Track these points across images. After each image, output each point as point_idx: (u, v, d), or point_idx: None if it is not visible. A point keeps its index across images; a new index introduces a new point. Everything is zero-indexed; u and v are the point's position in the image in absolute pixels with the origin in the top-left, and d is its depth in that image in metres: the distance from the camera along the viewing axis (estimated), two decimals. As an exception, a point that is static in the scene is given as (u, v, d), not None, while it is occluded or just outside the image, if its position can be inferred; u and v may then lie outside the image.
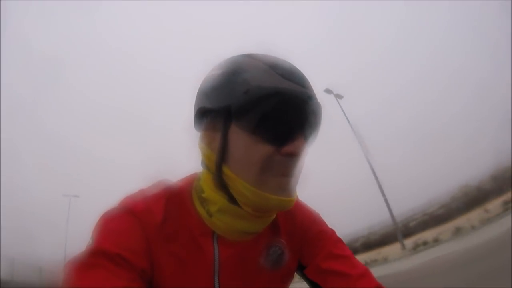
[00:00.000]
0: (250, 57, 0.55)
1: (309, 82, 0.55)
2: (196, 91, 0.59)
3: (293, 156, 0.52)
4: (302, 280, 0.67)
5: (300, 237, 0.65)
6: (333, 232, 0.68)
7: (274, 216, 0.61)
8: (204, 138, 0.57)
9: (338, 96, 16.42)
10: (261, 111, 0.49)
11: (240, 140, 0.51)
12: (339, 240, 0.67)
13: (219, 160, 0.53)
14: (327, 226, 0.69)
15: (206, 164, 0.57)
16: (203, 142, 0.57)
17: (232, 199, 0.54)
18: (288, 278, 0.65)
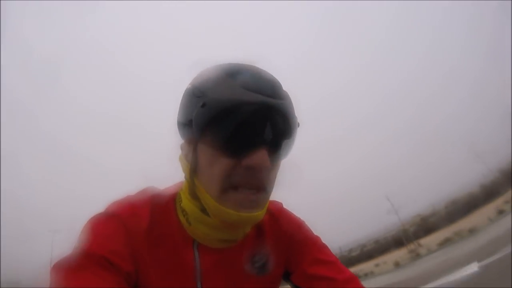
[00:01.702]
0: (218, 69, 0.53)
1: (278, 90, 0.52)
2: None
3: (255, 169, 0.49)
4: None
5: (286, 243, 0.65)
6: (318, 238, 0.68)
7: (249, 227, 0.60)
8: (183, 149, 0.58)
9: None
10: (218, 125, 0.48)
11: (204, 154, 0.51)
12: (324, 246, 0.67)
13: (191, 173, 0.54)
14: (312, 232, 0.69)
15: (185, 174, 0.58)
16: (182, 152, 0.58)
17: (204, 210, 0.54)
18: (274, 285, 0.64)
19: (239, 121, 0.48)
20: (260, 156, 0.49)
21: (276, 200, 0.70)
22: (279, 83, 0.54)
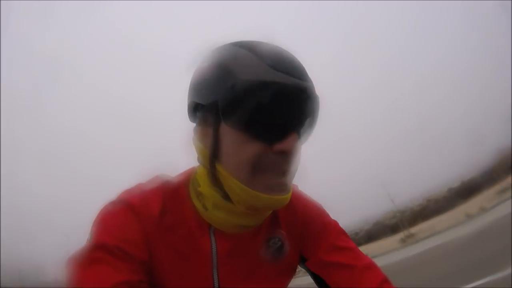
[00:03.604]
0: (240, 46, 0.51)
1: (305, 73, 0.50)
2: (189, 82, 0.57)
3: (286, 154, 0.49)
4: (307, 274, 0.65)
5: (301, 229, 0.63)
6: (336, 223, 0.66)
7: (270, 212, 0.59)
8: (197, 133, 0.55)
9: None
10: (250, 107, 0.46)
11: (230, 137, 0.49)
12: (342, 232, 0.64)
13: (211, 157, 0.52)
14: (329, 217, 0.66)
15: (200, 159, 0.56)
16: (196, 136, 0.56)
17: (226, 196, 0.53)
18: (290, 271, 0.63)
19: (275, 104, 0.46)
20: (292, 140, 0.48)
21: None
22: (303, 64, 0.52)
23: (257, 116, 0.47)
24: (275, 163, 0.49)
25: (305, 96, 0.48)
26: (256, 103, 0.46)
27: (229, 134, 0.49)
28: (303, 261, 0.64)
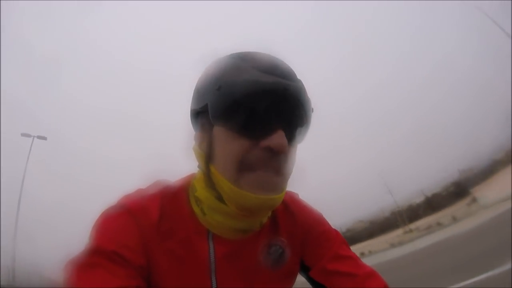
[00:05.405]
0: (232, 56, 0.54)
1: (293, 74, 0.53)
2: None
3: (273, 151, 0.49)
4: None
5: (302, 237, 0.64)
6: (337, 233, 0.66)
7: (266, 216, 0.59)
8: (196, 139, 0.58)
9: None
10: (235, 106, 0.48)
11: (221, 137, 0.51)
12: (344, 242, 0.65)
13: (206, 159, 0.53)
14: (330, 226, 0.67)
15: (198, 163, 0.58)
16: (195, 143, 0.58)
17: (220, 197, 0.53)
18: (290, 279, 0.63)
19: (257, 102, 0.48)
20: (279, 137, 0.49)
21: (291, 190, 0.68)
22: (292, 69, 0.54)
23: (243, 114, 0.48)
24: (262, 160, 0.50)
25: (290, 95, 0.49)
26: (240, 101, 0.48)
27: (220, 135, 0.51)
28: (304, 269, 0.64)
